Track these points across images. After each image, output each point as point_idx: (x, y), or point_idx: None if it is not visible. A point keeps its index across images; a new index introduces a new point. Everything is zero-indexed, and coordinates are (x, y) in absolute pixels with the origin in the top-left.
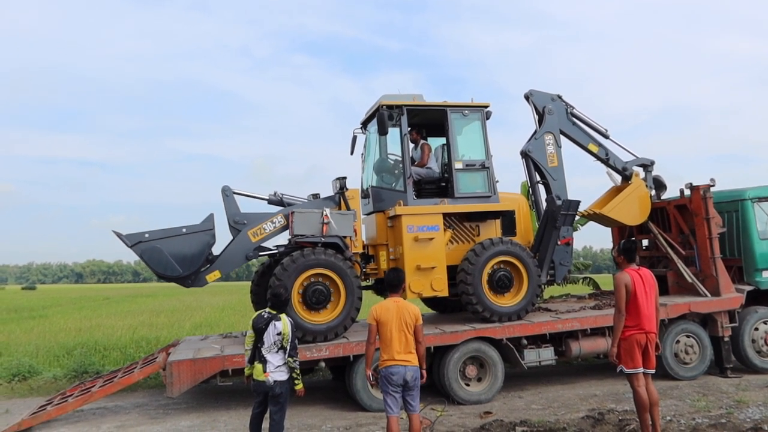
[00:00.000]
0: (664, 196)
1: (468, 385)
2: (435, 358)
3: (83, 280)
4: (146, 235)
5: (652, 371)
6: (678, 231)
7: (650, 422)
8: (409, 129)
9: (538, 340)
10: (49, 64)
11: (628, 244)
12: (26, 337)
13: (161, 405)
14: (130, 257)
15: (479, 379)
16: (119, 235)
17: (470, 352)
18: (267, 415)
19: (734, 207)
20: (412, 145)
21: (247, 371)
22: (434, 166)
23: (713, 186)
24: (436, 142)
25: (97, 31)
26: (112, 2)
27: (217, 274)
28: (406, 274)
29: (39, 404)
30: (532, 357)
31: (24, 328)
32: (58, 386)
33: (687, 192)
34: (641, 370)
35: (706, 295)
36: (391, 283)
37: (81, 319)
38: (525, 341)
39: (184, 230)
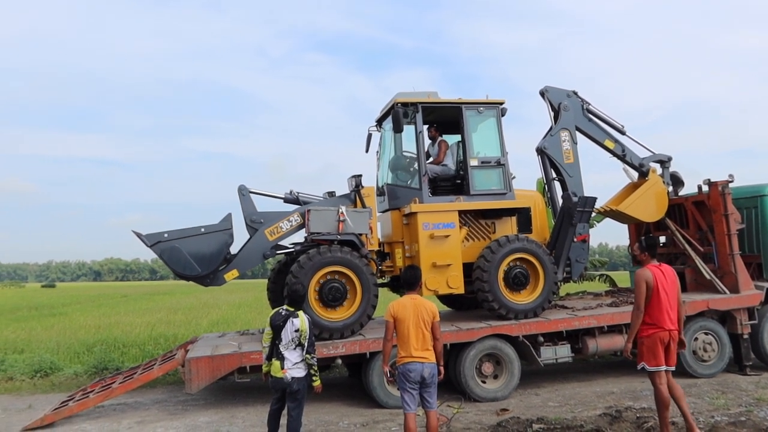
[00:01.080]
0: (682, 192)
1: (484, 382)
2: (451, 355)
3: (101, 278)
4: (165, 235)
5: (673, 368)
6: (696, 227)
7: (669, 420)
8: (427, 126)
9: (554, 338)
10: (62, 63)
11: (651, 240)
12: (47, 334)
13: (180, 401)
14: (147, 255)
15: (495, 377)
16: (139, 235)
17: (486, 349)
18: (285, 411)
19: (753, 203)
20: (429, 142)
21: (264, 368)
22: (450, 163)
23: (732, 182)
24: (451, 140)
25: (111, 31)
26: (127, 2)
27: (235, 272)
28: (422, 271)
29: (61, 400)
30: (549, 354)
31: (44, 325)
32: (79, 382)
33: (705, 188)
34: (664, 368)
35: (725, 292)
36: (407, 281)
37: (100, 317)
38: (541, 338)
39: (202, 230)
